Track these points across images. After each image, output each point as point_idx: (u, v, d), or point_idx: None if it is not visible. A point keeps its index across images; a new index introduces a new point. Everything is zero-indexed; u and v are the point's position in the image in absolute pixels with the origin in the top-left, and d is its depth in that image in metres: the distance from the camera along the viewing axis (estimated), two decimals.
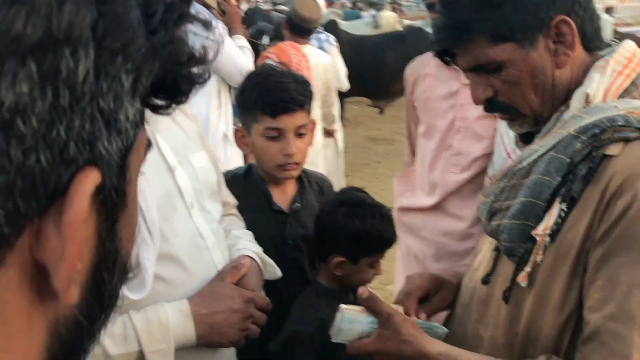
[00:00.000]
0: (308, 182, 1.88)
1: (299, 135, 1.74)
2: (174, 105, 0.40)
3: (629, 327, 0.99)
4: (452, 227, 2.20)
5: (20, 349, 0.34)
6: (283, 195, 1.82)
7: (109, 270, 0.39)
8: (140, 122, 0.38)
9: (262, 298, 1.39)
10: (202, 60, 0.39)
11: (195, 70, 0.39)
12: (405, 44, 7.85)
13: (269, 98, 1.69)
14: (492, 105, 1.22)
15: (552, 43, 1.13)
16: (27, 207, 0.32)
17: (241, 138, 1.82)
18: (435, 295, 1.40)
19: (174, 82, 0.38)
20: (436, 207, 2.23)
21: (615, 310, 1.00)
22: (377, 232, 1.62)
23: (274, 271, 1.54)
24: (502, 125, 2.08)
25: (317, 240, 1.71)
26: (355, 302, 1.56)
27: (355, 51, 7.59)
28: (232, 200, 1.66)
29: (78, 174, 0.34)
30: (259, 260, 1.48)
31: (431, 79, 2.23)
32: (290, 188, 1.84)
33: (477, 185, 2.17)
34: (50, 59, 0.30)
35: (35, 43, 0.29)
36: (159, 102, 0.39)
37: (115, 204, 0.37)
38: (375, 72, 8.10)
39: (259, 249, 1.52)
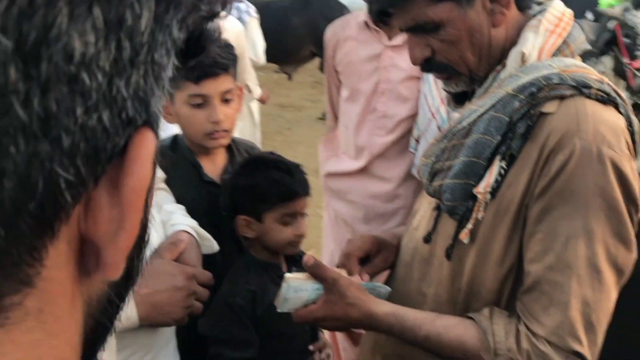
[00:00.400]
0: (237, 150, 1.83)
1: (226, 101, 1.67)
2: (190, 63, 0.36)
3: (568, 276, 1.04)
4: (379, 189, 2.24)
5: (65, 333, 0.31)
6: (213, 166, 1.75)
7: (143, 243, 0.37)
8: (175, 79, 0.34)
9: (204, 273, 1.35)
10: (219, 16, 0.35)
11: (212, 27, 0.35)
12: (311, 8, 7.78)
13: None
14: (429, 65, 1.23)
15: (488, 2, 1.15)
16: (88, 173, 0.28)
17: (165, 107, 1.73)
18: (376, 256, 1.42)
19: (198, 37, 0.34)
20: (363, 171, 2.25)
21: (555, 261, 1.05)
22: (269, 183, 1.60)
23: (211, 245, 1.49)
24: (426, 86, 2.11)
25: (225, 205, 1.69)
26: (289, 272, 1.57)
27: (259, 16, 7.47)
28: (159, 173, 1.59)
29: (137, 136, 0.30)
30: (195, 235, 1.43)
31: (353, 42, 2.22)
32: (221, 158, 1.78)
33: (402, 146, 2.20)
34: (115, 4, 0.27)
35: None
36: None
37: (154, 169, 0.34)
38: (280, 37, 7.99)
39: (194, 223, 1.47)
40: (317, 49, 6.93)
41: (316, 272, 1.24)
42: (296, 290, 1.26)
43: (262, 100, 4.18)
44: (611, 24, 4.16)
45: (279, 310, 1.30)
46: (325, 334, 2.15)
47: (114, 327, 0.38)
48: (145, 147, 0.31)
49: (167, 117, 1.74)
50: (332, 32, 2.33)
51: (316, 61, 7.64)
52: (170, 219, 1.43)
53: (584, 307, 1.04)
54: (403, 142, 2.20)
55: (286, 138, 7.43)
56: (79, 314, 0.33)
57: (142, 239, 0.35)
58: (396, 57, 2.15)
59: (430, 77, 2.11)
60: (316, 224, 4.30)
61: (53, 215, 0.28)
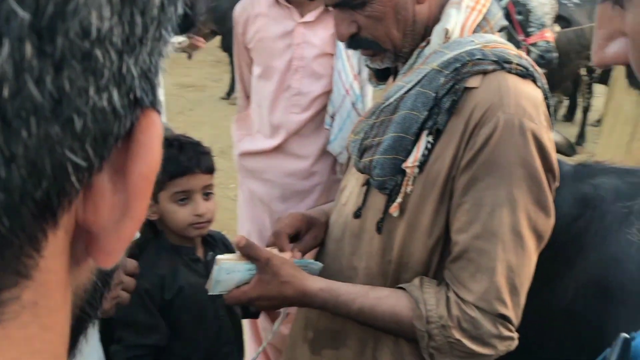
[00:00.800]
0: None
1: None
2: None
3: (493, 243, 1.10)
4: (296, 166, 2.23)
5: (58, 326, 0.29)
6: None
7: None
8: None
9: (130, 262, 1.30)
10: None
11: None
12: None
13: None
14: (355, 42, 1.23)
15: None
16: (96, 157, 0.26)
17: None
18: (306, 234, 1.42)
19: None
20: (278, 149, 2.23)
21: (481, 229, 1.10)
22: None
23: None
24: (339, 63, 2.12)
25: None
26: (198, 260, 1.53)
27: None
28: None
29: (144, 118, 0.29)
30: None
31: (264, 19, 2.18)
32: None
33: (317, 123, 2.21)
34: None
35: None
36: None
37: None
38: None
39: None
40: (218, 27, 6.77)
41: (249, 252, 1.23)
42: (228, 271, 1.24)
43: None
44: (504, 2, 4.37)
45: (210, 293, 1.27)
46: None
47: (97, 316, 0.36)
48: (153, 130, 0.29)
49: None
50: (242, 8, 2.27)
51: (216, 40, 7.47)
52: None
53: (508, 272, 1.10)
54: (318, 119, 2.20)
55: (189, 118, 7.24)
56: (68, 305, 0.31)
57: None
58: (308, 34, 2.14)
59: (343, 54, 2.12)
60: (226, 205, 4.25)
61: (57, 202, 0.26)
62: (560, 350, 1.30)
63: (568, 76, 5.68)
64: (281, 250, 1.34)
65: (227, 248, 1.69)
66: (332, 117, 2.17)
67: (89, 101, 0.25)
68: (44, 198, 0.25)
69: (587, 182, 1.37)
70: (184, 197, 1.57)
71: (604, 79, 5.55)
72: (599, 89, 6.46)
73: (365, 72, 1.81)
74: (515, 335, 1.14)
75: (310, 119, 2.19)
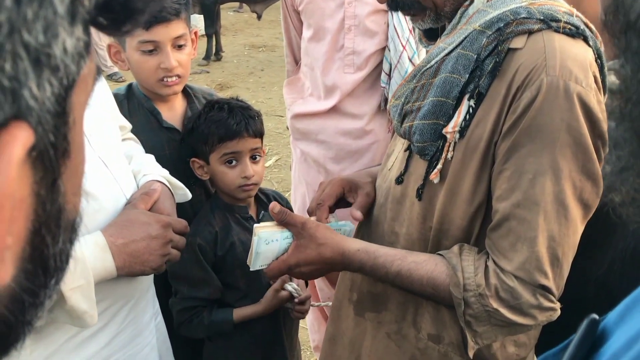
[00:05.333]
0: (195, 97, 1.79)
1: (178, 47, 1.63)
2: (130, 26, 0.33)
3: (535, 212, 1.06)
4: (350, 126, 2.22)
5: None
6: (172, 112, 1.72)
7: (52, 233, 0.33)
8: (85, 51, 0.31)
9: (180, 221, 1.34)
10: None
11: None
12: None
13: None
14: (395, 3, 1.19)
15: None
16: None
17: (116, 54, 1.67)
18: (350, 195, 1.42)
19: (126, 2, 0.31)
20: (333, 109, 2.22)
21: (522, 198, 1.06)
22: (208, 123, 1.59)
23: (184, 193, 1.48)
24: (395, 18, 2.07)
25: (184, 151, 1.68)
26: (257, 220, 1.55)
27: None
28: (126, 123, 1.55)
29: (0, 135, 0.27)
30: (167, 184, 1.41)
31: None
32: (179, 104, 1.74)
33: (372, 82, 2.17)
34: None
35: None
36: (107, 22, 0.32)
37: (55, 159, 0.31)
38: None
39: (165, 172, 1.45)
40: None
41: (284, 219, 1.24)
42: (267, 241, 1.26)
43: None
44: None
45: (252, 268, 1.30)
46: None
47: (34, 321, 0.35)
48: (10, 148, 0.26)
49: (119, 63, 1.69)
50: None
51: None
52: (142, 169, 1.41)
53: (550, 242, 1.06)
54: (373, 77, 2.17)
55: (259, 79, 7.31)
56: None
57: (42, 231, 0.32)
58: None
59: None
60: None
61: None
62: None
63: None
64: (319, 220, 1.34)
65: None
66: (389, 74, 2.12)
67: None
68: None
69: None
70: (233, 159, 1.60)
71: None
72: None
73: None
74: (557, 305, 1.10)
75: (365, 78, 2.16)
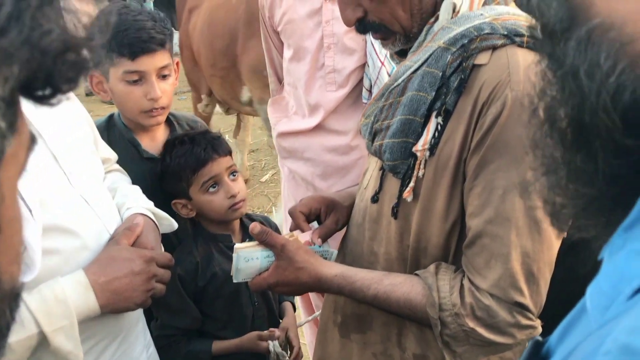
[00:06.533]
0: (178, 124, 1.79)
1: (163, 77, 1.64)
2: (59, 96, 0.33)
3: (507, 228, 1.05)
4: (335, 142, 2.21)
5: None
6: (152, 141, 1.72)
7: None
8: (8, 132, 0.31)
9: (163, 255, 1.33)
10: (86, 42, 0.32)
11: (80, 55, 0.32)
12: None
13: (125, 38, 1.55)
14: (363, 26, 1.19)
15: None
16: None
17: (98, 84, 1.67)
18: (327, 217, 1.41)
19: (48, 77, 0.31)
20: (317, 127, 2.21)
21: (493, 214, 1.05)
22: (176, 161, 1.59)
23: (170, 224, 1.47)
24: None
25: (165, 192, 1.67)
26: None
27: None
28: (111, 155, 1.55)
29: None
30: (152, 216, 1.41)
31: (290, 0, 2.15)
32: (160, 133, 1.74)
33: (354, 98, 2.17)
34: None
35: None
36: (39, 94, 0.32)
37: None
38: None
39: (150, 204, 1.44)
40: None
41: (264, 239, 1.24)
42: (247, 259, 1.26)
43: None
44: None
45: (234, 280, 1.30)
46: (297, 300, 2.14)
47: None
48: None
49: (101, 94, 1.69)
50: None
51: None
52: (125, 202, 1.41)
53: (524, 258, 1.05)
54: (355, 93, 2.16)
55: None
56: None
57: None
58: (337, 10, 2.07)
59: None
60: None
61: None
62: None
63: None
64: (299, 228, 1.34)
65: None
66: (369, 90, 2.12)
67: None
68: None
69: None
70: (214, 184, 1.59)
71: None
72: None
73: None
74: (537, 323, 1.09)
75: (347, 95, 2.16)
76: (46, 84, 0.33)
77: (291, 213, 1.39)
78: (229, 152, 1.64)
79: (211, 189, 1.60)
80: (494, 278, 1.06)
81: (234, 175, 1.63)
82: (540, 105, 0.46)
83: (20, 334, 1.08)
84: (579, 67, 0.41)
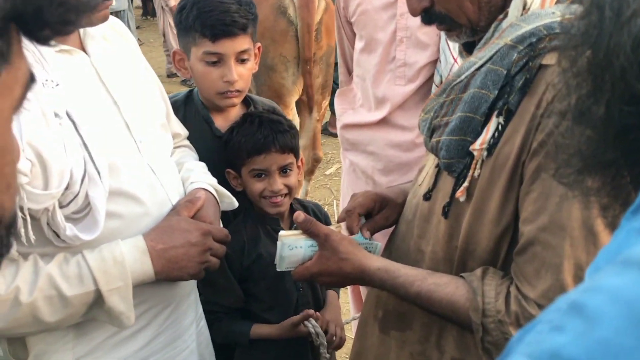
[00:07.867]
0: (255, 107, 1.81)
1: (242, 61, 1.66)
2: (48, 32, 0.34)
3: (560, 237, 1.00)
4: (400, 138, 2.19)
5: None
6: (225, 121, 1.75)
7: None
8: (1, 58, 0.32)
9: (220, 230, 1.36)
10: None
11: None
12: None
13: (209, 20, 1.58)
14: (429, 16, 1.17)
15: None
16: None
17: (180, 61, 1.72)
18: (378, 213, 1.40)
19: (38, 12, 0.32)
20: (383, 121, 2.19)
21: (548, 221, 1.00)
22: (240, 137, 1.59)
23: (231, 202, 1.50)
24: None
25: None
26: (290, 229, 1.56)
27: None
28: (182, 131, 1.60)
29: None
30: (214, 192, 1.44)
31: None
32: (235, 114, 1.77)
33: (423, 94, 2.14)
34: None
35: None
36: (34, 33, 0.33)
37: None
38: None
39: (213, 181, 1.48)
40: None
41: (308, 228, 1.24)
42: (290, 247, 1.26)
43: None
44: None
45: (278, 269, 1.31)
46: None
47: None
48: None
49: (182, 70, 1.74)
50: None
51: None
52: (190, 176, 1.45)
53: (576, 270, 1.00)
54: (424, 89, 2.13)
55: None
56: None
57: None
58: None
59: None
60: None
61: None
62: None
63: None
64: (349, 229, 1.33)
65: (321, 220, 1.70)
66: (439, 86, 2.08)
67: None
68: None
69: None
70: (261, 174, 1.61)
71: None
72: None
73: None
74: None
75: (416, 90, 2.12)
76: (39, 20, 0.33)
77: (348, 212, 1.38)
78: (290, 149, 1.62)
79: (257, 177, 1.61)
80: (543, 288, 1.01)
81: (286, 172, 1.62)
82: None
83: (78, 289, 1.13)
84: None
